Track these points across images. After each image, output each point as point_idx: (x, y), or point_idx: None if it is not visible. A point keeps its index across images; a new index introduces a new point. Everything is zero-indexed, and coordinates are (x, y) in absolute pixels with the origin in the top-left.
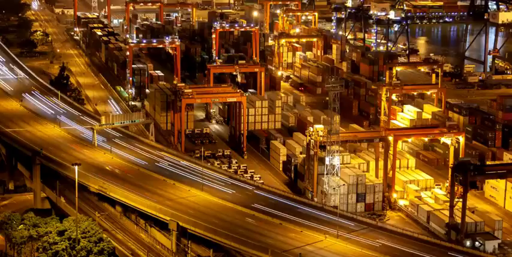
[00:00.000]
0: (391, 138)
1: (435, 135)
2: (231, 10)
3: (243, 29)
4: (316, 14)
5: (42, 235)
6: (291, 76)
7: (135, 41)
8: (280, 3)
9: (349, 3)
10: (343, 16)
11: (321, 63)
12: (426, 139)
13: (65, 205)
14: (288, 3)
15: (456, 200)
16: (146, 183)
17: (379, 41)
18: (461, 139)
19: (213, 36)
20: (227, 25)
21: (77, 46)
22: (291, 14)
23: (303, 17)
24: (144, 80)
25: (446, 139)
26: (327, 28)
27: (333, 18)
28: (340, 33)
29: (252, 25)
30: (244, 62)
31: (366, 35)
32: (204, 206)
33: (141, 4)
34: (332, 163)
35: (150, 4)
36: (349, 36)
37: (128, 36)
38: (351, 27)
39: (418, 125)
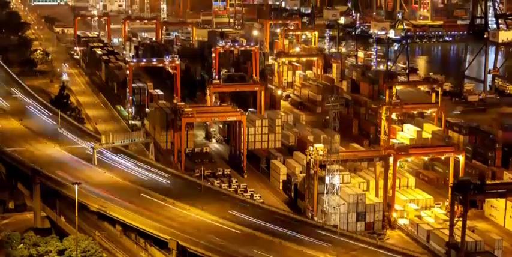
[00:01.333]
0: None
1: (435, 154)
2: (231, 29)
3: (243, 48)
4: (316, 33)
5: (42, 254)
6: (291, 95)
7: (135, 60)
8: (280, 22)
9: (341, 21)
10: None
11: (321, 82)
12: (426, 158)
13: (65, 224)
14: (288, 22)
15: (456, 219)
16: (146, 202)
17: (378, 60)
18: (461, 158)
19: (213, 55)
20: (228, 44)
21: (76, 65)
22: (291, 33)
23: (303, 36)
24: (144, 99)
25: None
26: (325, 47)
27: (326, 35)
28: (343, 50)
29: (252, 44)
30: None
31: (366, 53)
32: (204, 225)
33: (138, 21)
34: (332, 182)
35: (146, 21)
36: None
37: (124, 53)
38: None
39: (418, 144)
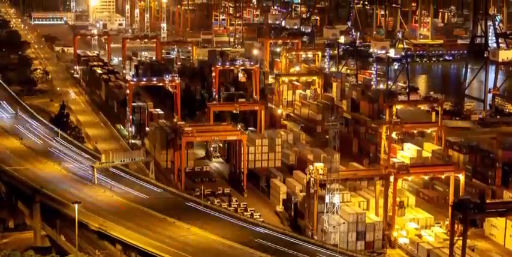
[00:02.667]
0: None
1: (435, 173)
2: (230, 48)
3: (243, 67)
4: (320, 53)
5: None
6: (291, 114)
7: (135, 79)
8: (280, 41)
9: (341, 40)
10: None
11: (321, 101)
12: (426, 177)
13: (65, 243)
14: (288, 41)
15: (456, 238)
16: (146, 221)
17: (378, 79)
18: (461, 177)
19: (213, 74)
20: (227, 63)
21: (76, 84)
22: (293, 52)
23: (303, 55)
24: (144, 118)
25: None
26: (325, 66)
27: (326, 54)
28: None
29: (251, 63)
30: (244, 100)
31: (366, 72)
32: (205, 244)
33: (138, 40)
34: (332, 201)
35: (146, 40)
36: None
37: (124, 72)
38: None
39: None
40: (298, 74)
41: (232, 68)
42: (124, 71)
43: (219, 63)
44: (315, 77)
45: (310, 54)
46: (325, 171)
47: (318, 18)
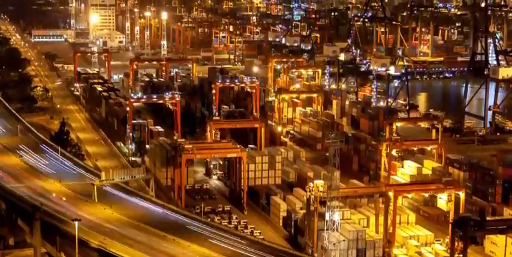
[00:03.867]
0: (391, 193)
1: (436, 191)
2: (231, 65)
3: (243, 85)
4: (320, 70)
5: None
6: (291, 132)
7: (135, 97)
8: (284, 60)
9: (341, 57)
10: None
11: (321, 118)
12: (426, 195)
13: None
14: (293, 60)
15: (456, 255)
16: (146, 238)
17: (378, 96)
18: (462, 195)
19: (213, 91)
20: (227, 80)
21: (77, 101)
22: (294, 70)
23: (302, 72)
24: (144, 136)
25: (443, 195)
26: (325, 83)
27: (326, 71)
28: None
29: (249, 79)
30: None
31: (366, 89)
32: None
33: (146, 62)
34: (332, 219)
35: (155, 62)
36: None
37: (132, 94)
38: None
39: (416, 180)
40: (299, 91)
41: (232, 85)
42: (132, 94)
43: (219, 80)
44: (315, 95)
45: (310, 72)
46: (325, 188)
47: (318, 35)
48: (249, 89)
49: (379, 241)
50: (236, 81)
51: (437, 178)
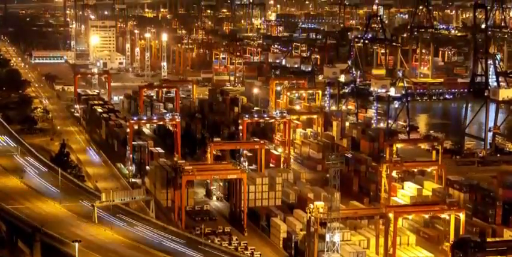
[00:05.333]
0: (391, 214)
1: (435, 212)
2: (231, 87)
3: (273, 120)
4: (320, 91)
5: None
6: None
7: (135, 118)
8: (286, 82)
9: (342, 78)
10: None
11: (322, 140)
12: (427, 216)
13: None
14: (294, 82)
15: None
16: None
17: (379, 117)
18: (462, 216)
19: (240, 127)
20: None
21: (77, 123)
22: (294, 91)
23: (303, 94)
24: (144, 157)
25: (446, 216)
26: (325, 104)
27: (326, 93)
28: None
29: (279, 114)
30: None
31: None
32: None
33: (156, 89)
34: (332, 240)
35: (165, 89)
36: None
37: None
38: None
39: (418, 202)
40: (299, 112)
41: (261, 120)
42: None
43: (247, 116)
44: (315, 116)
45: (310, 92)
46: (326, 210)
47: (318, 56)
48: (277, 124)
49: None
50: (265, 116)
51: (440, 199)
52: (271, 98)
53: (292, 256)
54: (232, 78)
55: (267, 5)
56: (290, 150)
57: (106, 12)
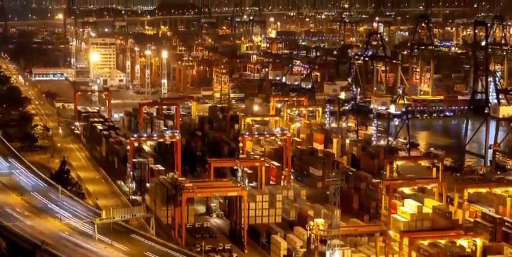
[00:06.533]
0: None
1: (452, 237)
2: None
3: (273, 137)
4: (320, 109)
5: None
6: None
7: (135, 135)
8: (286, 99)
9: (342, 96)
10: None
11: (322, 157)
12: (443, 242)
13: None
14: (295, 99)
15: None
16: None
17: (379, 135)
18: (479, 242)
19: (240, 144)
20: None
21: (77, 140)
22: (294, 108)
23: (304, 111)
24: (144, 174)
25: (463, 242)
26: (326, 122)
27: (326, 110)
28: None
29: (279, 131)
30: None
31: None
32: None
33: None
34: None
35: (168, 110)
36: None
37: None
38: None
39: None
40: (298, 130)
41: (261, 137)
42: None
43: (247, 133)
44: (315, 133)
45: (311, 110)
46: (326, 227)
47: (318, 74)
48: (279, 142)
49: None
50: (265, 133)
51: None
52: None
53: None
54: (232, 95)
55: (268, 23)
56: (290, 167)
57: (106, 30)
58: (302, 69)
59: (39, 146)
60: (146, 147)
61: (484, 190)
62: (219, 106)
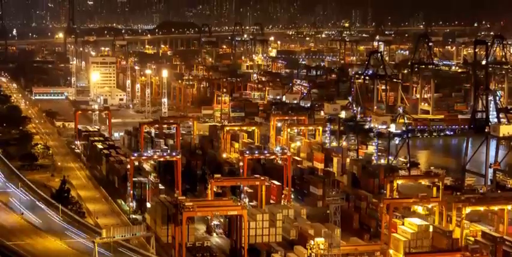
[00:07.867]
0: None
1: None
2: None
3: (273, 156)
4: (320, 128)
5: None
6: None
7: (136, 154)
8: (287, 118)
9: (342, 115)
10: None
11: (322, 176)
12: None
13: None
14: (295, 118)
15: None
16: None
17: (379, 154)
18: None
19: (241, 164)
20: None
21: (77, 159)
22: (294, 127)
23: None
24: (144, 193)
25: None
26: (326, 141)
27: (326, 129)
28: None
29: (280, 150)
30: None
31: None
32: None
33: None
34: None
35: (168, 129)
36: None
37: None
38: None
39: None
40: (298, 148)
41: (261, 156)
42: (145, 166)
43: (247, 152)
44: (315, 152)
45: (311, 129)
46: (326, 246)
47: (317, 92)
48: (279, 161)
49: None
50: (265, 152)
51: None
52: (272, 134)
53: None
54: (232, 114)
55: (268, 42)
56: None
57: (107, 49)
58: (302, 88)
59: (40, 164)
60: (147, 166)
61: (482, 208)
62: (219, 125)
